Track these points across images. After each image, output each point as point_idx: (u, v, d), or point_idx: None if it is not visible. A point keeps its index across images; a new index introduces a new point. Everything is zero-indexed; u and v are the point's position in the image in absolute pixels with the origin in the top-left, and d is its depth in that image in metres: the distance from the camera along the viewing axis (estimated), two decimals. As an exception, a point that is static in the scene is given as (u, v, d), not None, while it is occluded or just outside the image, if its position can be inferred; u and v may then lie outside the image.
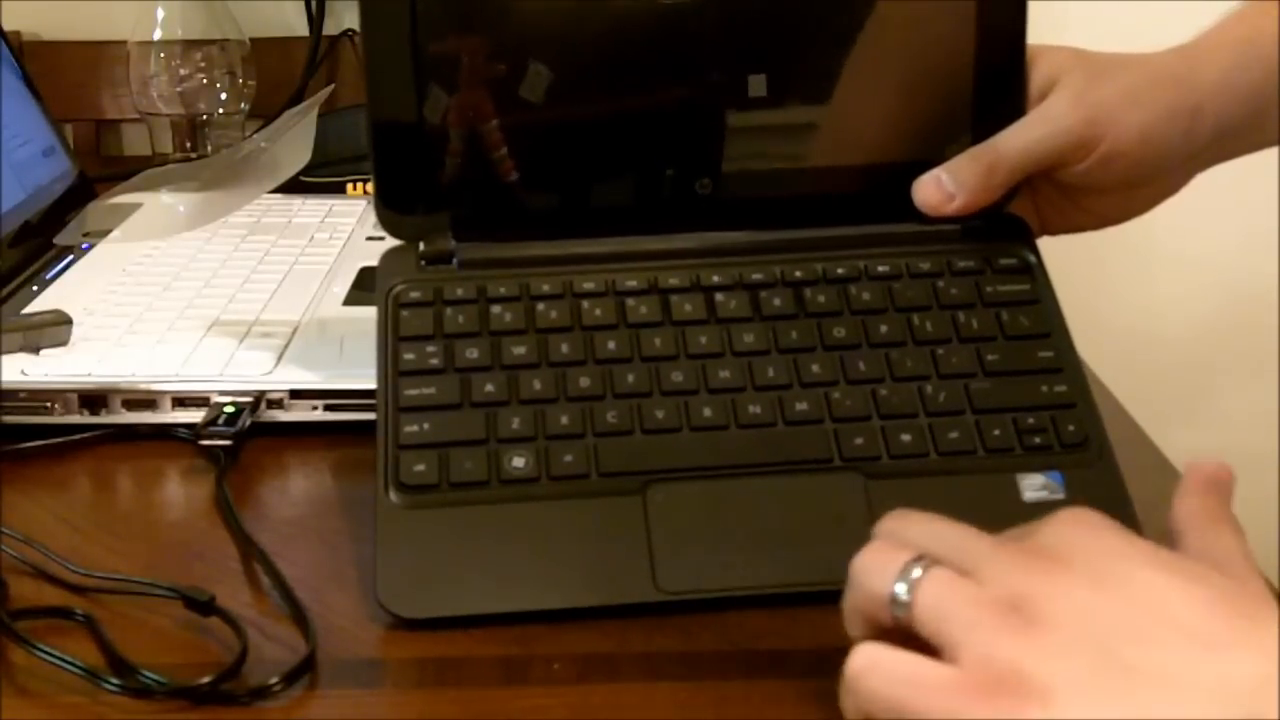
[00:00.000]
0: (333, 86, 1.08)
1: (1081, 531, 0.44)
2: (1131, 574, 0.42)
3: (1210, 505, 0.48)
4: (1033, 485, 0.57)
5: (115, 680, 0.48)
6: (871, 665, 0.42)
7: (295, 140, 0.86)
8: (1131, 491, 0.57)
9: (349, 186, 1.02)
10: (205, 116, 1.20)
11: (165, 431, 0.68)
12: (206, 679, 0.48)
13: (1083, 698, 0.39)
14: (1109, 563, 0.43)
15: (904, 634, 0.43)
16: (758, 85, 0.64)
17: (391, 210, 0.64)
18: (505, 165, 0.64)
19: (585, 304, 0.61)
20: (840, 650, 0.44)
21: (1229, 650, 0.40)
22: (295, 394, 0.68)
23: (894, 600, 0.43)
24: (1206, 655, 0.40)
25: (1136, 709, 0.39)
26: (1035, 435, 0.58)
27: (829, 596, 0.47)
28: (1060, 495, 0.56)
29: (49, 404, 0.67)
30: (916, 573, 0.43)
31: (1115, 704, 0.39)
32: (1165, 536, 0.46)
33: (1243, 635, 0.40)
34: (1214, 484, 0.48)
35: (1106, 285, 1.39)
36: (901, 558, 0.44)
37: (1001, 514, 0.55)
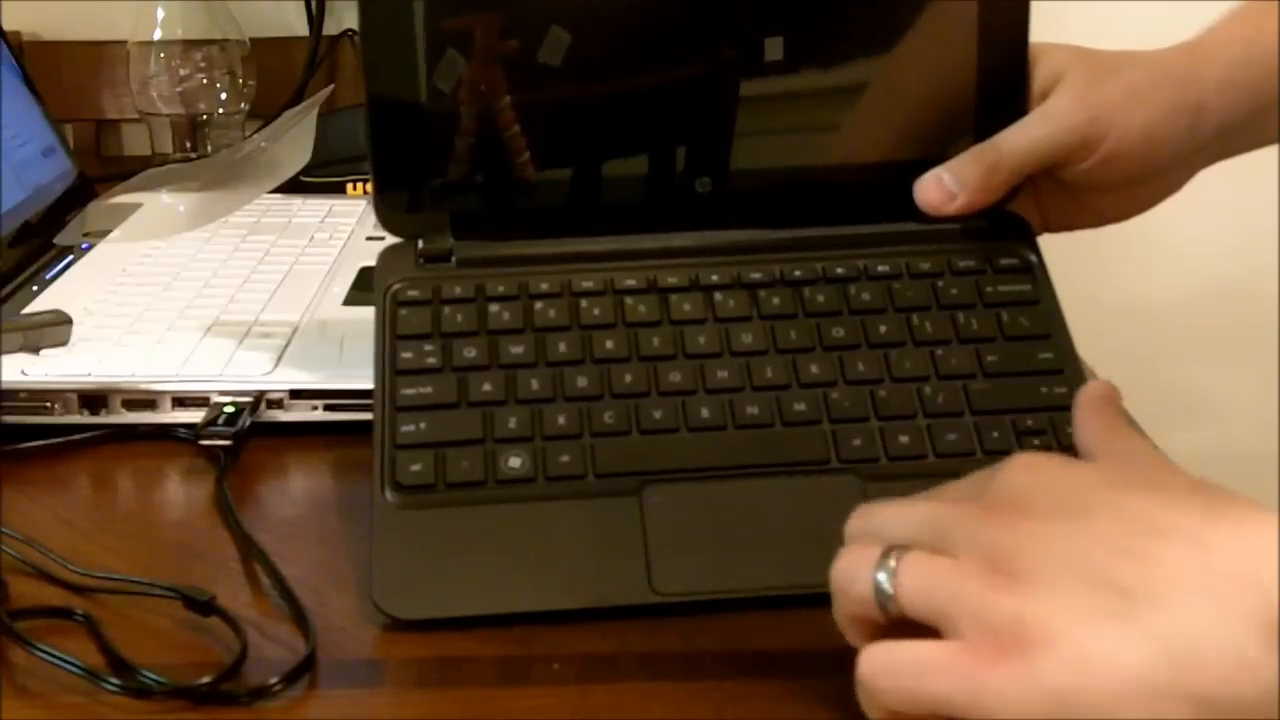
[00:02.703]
0: (333, 86, 1.08)
1: (1032, 475, 0.44)
2: (1094, 500, 0.42)
3: (1111, 421, 0.49)
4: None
5: (115, 680, 0.48)
6: (878, 665, 0.42)
7: (295, 140, 0.87)
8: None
9: (349, 186, 1.02)
10: (205, 116, 1.21)
11: (165, 431, 0.68)
12: (206, 679, 0.48)
13: (1088, 629, 0.39)
14: (1069, 496, 0.43)
15: (901, 626, 0.43)
16: (758, 84, 0.64)
17: (390, 208, 0.64)
18: (505, 164, 0.64)
19: (583, 303, 0.61)
20: (839, 651, 0.44)
21: (1216, 541, 0.40)
22: (295, 394, 0.68)
23: (879, 596, 0.43)
24: (1195, 553, 0.40)
25: (1145, 625, 0.39)
26: (1034, 437, 0.58)
27: (826, 598, 0.47)
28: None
29: (49, 404, 0.68)
30: (891, 563, 0.43)
31: (1122, 625, 0.39)
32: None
33: (1221, 522, 0.40)
34: (1106, 402, 0.49)
35: (1106, 285, 1.39)
36: (873, 554, 0.44)
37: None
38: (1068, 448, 0.57)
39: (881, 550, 0.44)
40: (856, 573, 0.44)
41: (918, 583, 0.43)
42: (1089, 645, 0.39)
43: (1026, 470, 0.44)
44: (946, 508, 0.45)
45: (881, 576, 0.43)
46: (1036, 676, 0.39)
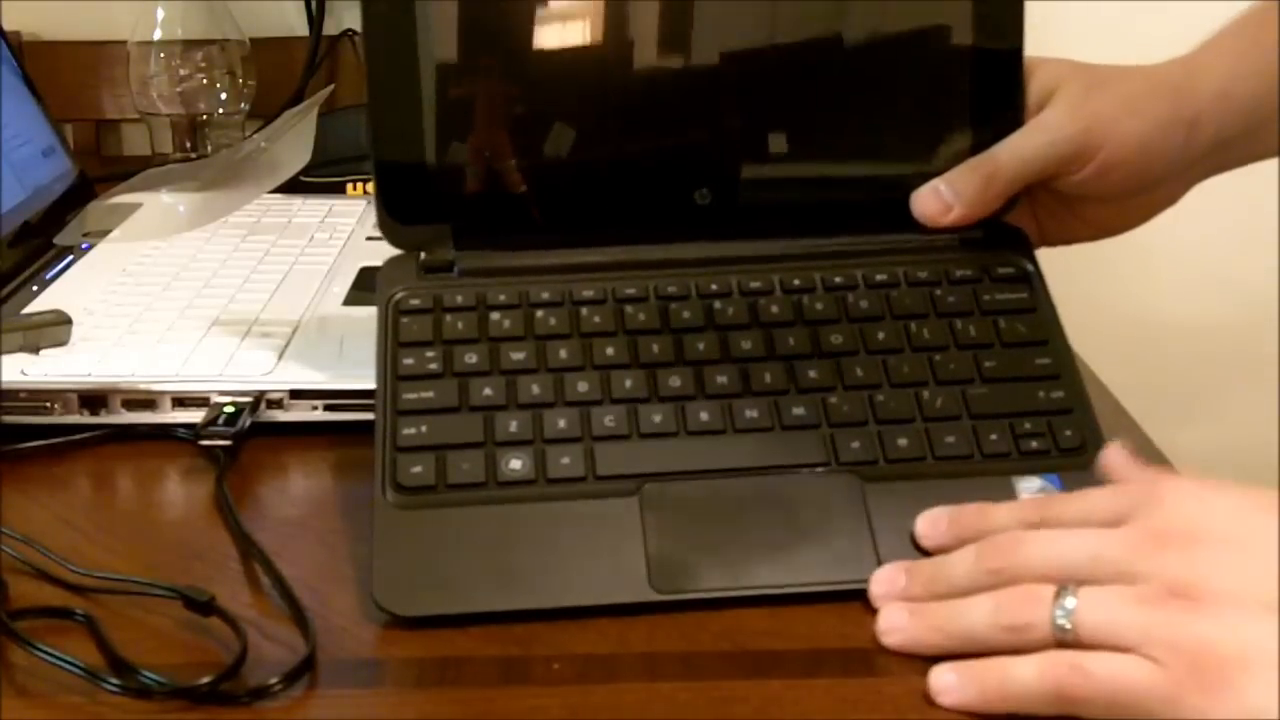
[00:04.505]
0: (333, 86, 1.08)
1: (1186, 503, 0.45)
2: (1257, 525, 0.43)
3: (1144, 473, 0.51)
4: (1029, 488, 0.57)
5: (115, 680, 0.48)
6: (1078, 670, 0.43)
7: (295, 140, 0.87)
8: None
9: (349, 186, 1.03)
10: (205, 116, 1.21)
11: (165, 431, 0.68)
12: (206, 679, 0.48)
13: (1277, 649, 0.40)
14: (1233, 522, 0.44)
15: None
16: (757, 98, 0.64)
17: (394, 220, 0.64)
18: (507, 178, 0.64)
19: (584, 311, 0.61)
20: (839, 650, 0.45)
21: None
22: (295, 394, 0.68)
23: (1058, 635, 0.44)
24: None
25: None
26: (1032, 440, 0.58)
27: (826, 598, 0.47)
28: (1057, 497, 0.57)
29: (49, 404, 0.68)
30: (1070, 602, 0.44)
31: None
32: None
33: None
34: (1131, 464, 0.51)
35: (1107, 286, 1.39)
36: (1046, 597, 0.45)
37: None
38: (1065, 450, 0.58)
39: (1054, 592, 0.45)
40: (1029, 617, 0.45)
41: (1102, 620, 0.44)
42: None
43: (1187, 495, 0.45)
44: (1105, 535, 0.45)
45: (1061, 618, 0.44)
46: (1238, 699, 0.40)
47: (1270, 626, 0.41)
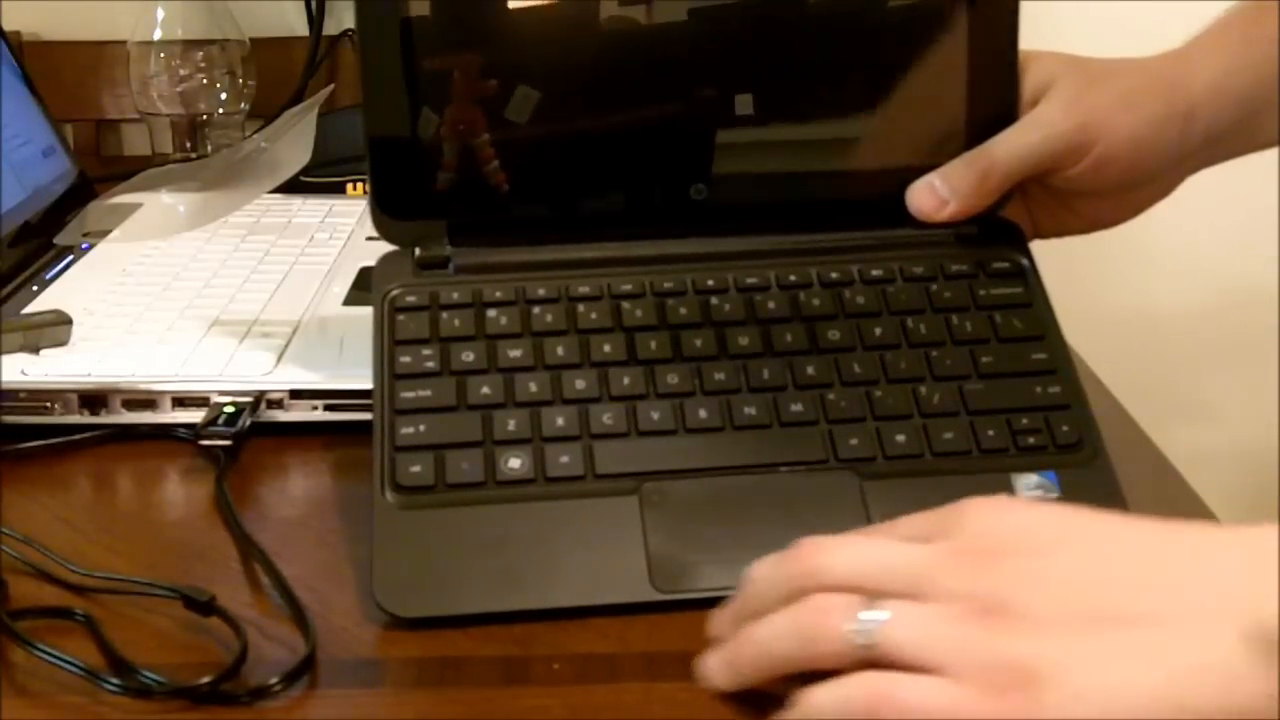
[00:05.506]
0: (333, 86, 1.08)
1: (997, 516, 0.44)
2: (1072, 537, 0.42)
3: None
4: (1028, 485, 0.57)
5: (115, 680, 0.49)
6: (880, 696, 0.42)
7: (295, 140, 0.87)
8: (1131, 491, 0.57)
9: (349, 186, 1.03)
10: (205, 116, 1.21)
11: (165, 431, 0.68)
12: (206, 679, 0.48)
13: (1086, 661, 0.39)
14: (1043, 533, 0.43)
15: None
16: (751, 93, 0.64)
17: (388, 216, 0.64)
18: (501, 173, 0.64)
19: (580, 308, 0.61)
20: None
21: (1207, 563, 0.40)
22: (295, 394, 0.68)
23: (863, 648, 0.42)
24: (1189, 576, 0.40)
25: (1142, 652, 0.39)
26: (1029, 436, 0.58)
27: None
28: (1055, 495, 0.57)
29: (49, 404, 0.68)
30: (874, 616, 0.43)
31: (1119, 654, 0.39)
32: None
33: (1210, 547, 0.41)
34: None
35: (1106, 284, 1.39)
36: (850, 610, 0.43)
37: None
38: (1063, 446, 0.58)
39: (859, 604, 0.43)
40: (830, 626, 0.43)
41: (909, 636, 0.42)
42: (1090, 677, 0.39)
43: (990, 512, 0.44)
44: (914, 551, 0.44)
45: (862, 631, 0.42)
46: (1043, 711, 0.39)
47: (1080, 633, 0.40)
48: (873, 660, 0.42)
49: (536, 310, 0.61)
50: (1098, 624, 0.40)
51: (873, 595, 0.43)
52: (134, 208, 0.93)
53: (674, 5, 0.64)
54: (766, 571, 0.47)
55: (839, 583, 0.44)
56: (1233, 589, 0.39)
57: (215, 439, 0.65)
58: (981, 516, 0.44)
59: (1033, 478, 0.57)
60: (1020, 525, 0.43)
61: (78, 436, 0.68)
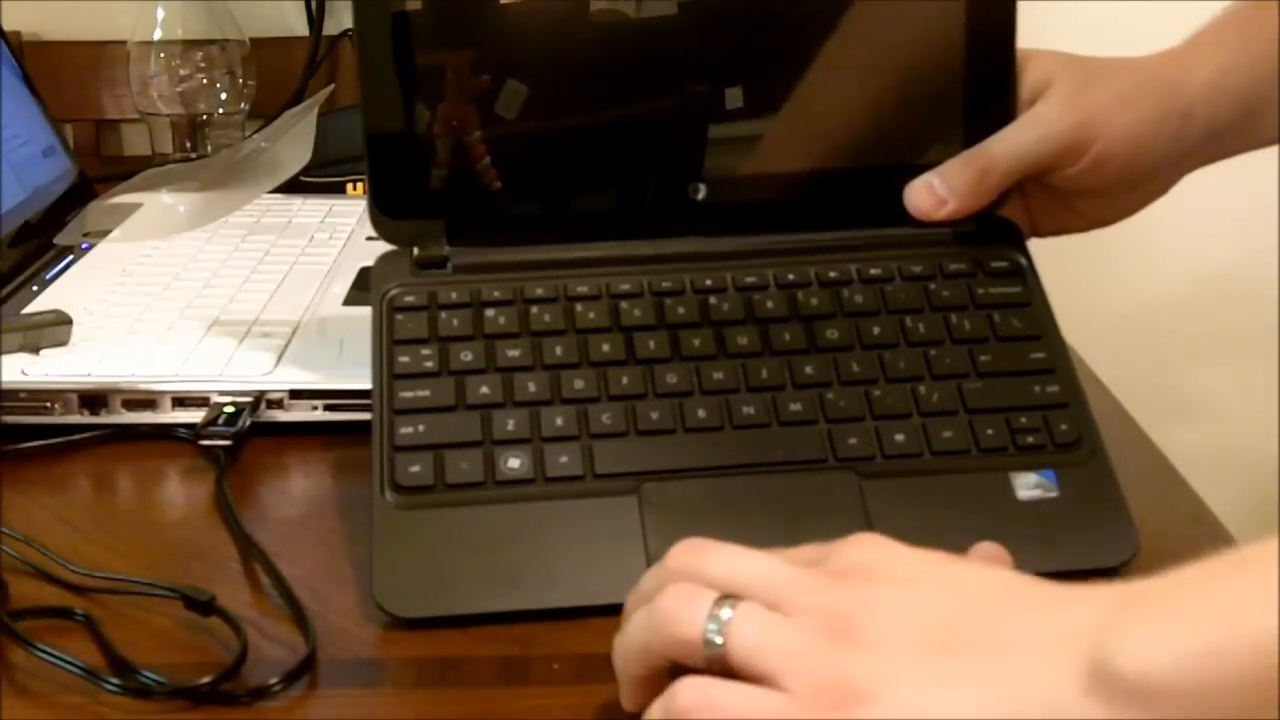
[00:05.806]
0: (333, 86, 1.08)
1: (875, 548, 0.44)
2: (934, 572, 0.43)
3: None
4: (1026, 484, 0.57)
5: (115, 680, 0.49)
6: (697, 699, 0.41)
7: (295, 140, 0.87)
8: (1130, 490, 0.57)
9: (349, 186, 1.03)
10: (205, 116, 1.21)
11: (165, 431, 0.68)
12: (206, 679, 0.48)
13: (915, 684, 0.39)
14: (911, 567, 0.43)
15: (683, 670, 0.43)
16: (747, 92, 0.64)
17: (386, 216, 0.64)
18: (498, 171, 0.64)
19: (579, 307, 0.61)
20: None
21: (1056, 607, 0.40)
22: (295, 394, 0.68)
23: (706, 644, 0.42)
24: (1033, 616, 0.40)
25: (972, 682, 0.39)
26: (1028, 435, 0.58)
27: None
28: (1054, 493, 0.57)
29: (49, 404, 0.68)
30: (726, 613, 0.42)
31: (949, 682, 0.39)
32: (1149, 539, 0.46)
33: (1064, 596, 0.40)
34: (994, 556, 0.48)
35: (1104, 283, 1.39)
36: (706, 600, 0.43)
37: (996, 512, 0.56)
38: (1061, 445, 0.58)
39: (716, 598, 0.43)
40: (685, 615, 0.43)
41: (751, 637, 0.42)
42: (916, 699, 0.39)
43: (870, 544, 0.44)
44: (787, 566, 0.44)
45: (713, 625, 0.42)
46: None
47: (915, 658, 0.40)
48: (721, 663, 0.42)
49: (535, 310, 0.61)
50: (936, 651, 0.40)
51: (734, 599, 0.43)
52: (134, 208, 0.93)
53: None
54: (653, 570, 0.47)
55: (708, 583, 0.44)
56: (1079, 628, 0.39)
57: (215, 439, 0.65)
58: (859, 549, 0.44)
59: (1031, 476, 0.57)
60: (890, 559, 0.44)
61: (78, 436, 0.68)
